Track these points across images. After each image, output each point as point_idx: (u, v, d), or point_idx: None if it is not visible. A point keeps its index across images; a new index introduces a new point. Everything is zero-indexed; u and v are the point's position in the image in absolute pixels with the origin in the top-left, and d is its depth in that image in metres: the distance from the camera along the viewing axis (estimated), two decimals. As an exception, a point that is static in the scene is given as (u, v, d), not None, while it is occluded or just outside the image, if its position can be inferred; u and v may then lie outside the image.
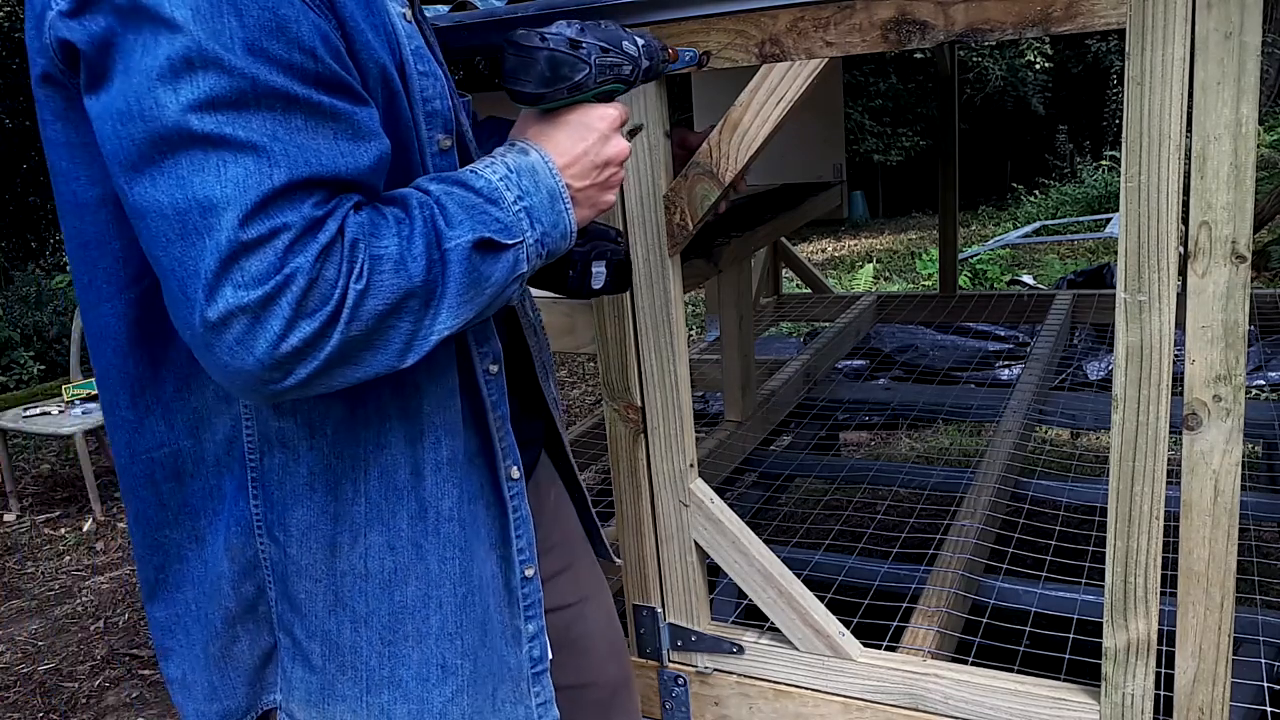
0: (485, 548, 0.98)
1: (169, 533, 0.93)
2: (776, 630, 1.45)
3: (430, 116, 0.87)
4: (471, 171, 0.83)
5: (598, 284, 1.01)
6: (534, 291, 1.13)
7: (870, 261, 8.98)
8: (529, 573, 1.02)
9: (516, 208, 0.82)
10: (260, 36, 0.68)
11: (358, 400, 0.88)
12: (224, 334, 0.69)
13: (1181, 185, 1.03)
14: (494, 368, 0.98)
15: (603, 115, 0.90)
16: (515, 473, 1.01)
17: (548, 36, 0.87)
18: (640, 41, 0.95)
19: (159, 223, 0.69)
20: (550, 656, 1.05)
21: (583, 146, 0.88)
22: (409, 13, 0.87)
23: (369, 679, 0.93)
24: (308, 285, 0.69)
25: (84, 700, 2.74)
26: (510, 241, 0.81)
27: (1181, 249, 1.06)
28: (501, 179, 0.82)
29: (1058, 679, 1.34)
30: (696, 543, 1.45)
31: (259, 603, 0.94)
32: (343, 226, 0.71)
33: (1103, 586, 1.19)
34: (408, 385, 0.90)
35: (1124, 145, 1.04)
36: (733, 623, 1.59)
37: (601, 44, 0.90)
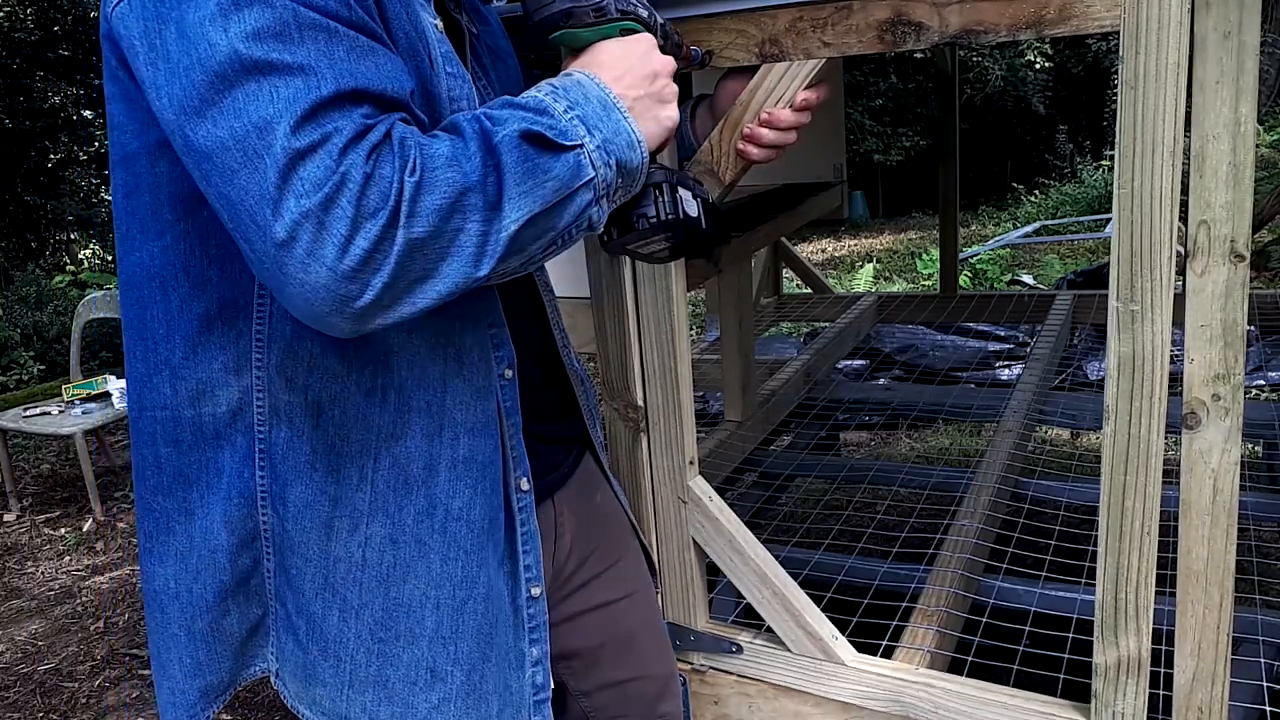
0: (495, 560, 0.97)
1: (161, 500, 0.94)
2: (773, 631, 1.45)
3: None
4: (518, 96, 0.84)
5: (692, 210, 0.95)
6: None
7: (870, 261, 8.98)
8: (535, 592, 1.02)
9: (568, 116, 0.82)
10: None
11: (374, 387, 0.88)
12: (294, 249, 0.70)
13: (1177, 192, 1.02)
14: (509, 373, 0.98)
15: (637, 37, 0.91)
16: (525, 485, 1.00)
17: None
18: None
19: (224, 157, 0.72)
20: (552, 685, 1.05)
21: (626, 62, 0.89)
22: (440, 24, 0.90)
23: (353, 673, 0.92)
24: (364, 181, 0.70)
25: (84, 700, 2.74)
26: (567, 144, 0.80)
27: (1180, 248, 1.06)
28: (547, 94, 0.83)
29: (1050, 690, 1.33)
30: (695, 541, 1.46)
31: (252, 575, 0.95)
32: (390, 130, 0.74)
33: (1102, 586, 1.19)
34: (434, 379, 0.90)
35: (1117, 151, 1.04)
36: (732, 622, 1.59)
37: None
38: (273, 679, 0.99)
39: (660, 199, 0.94)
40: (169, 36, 0.74)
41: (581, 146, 0.81)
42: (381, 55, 0.77)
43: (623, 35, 0.92)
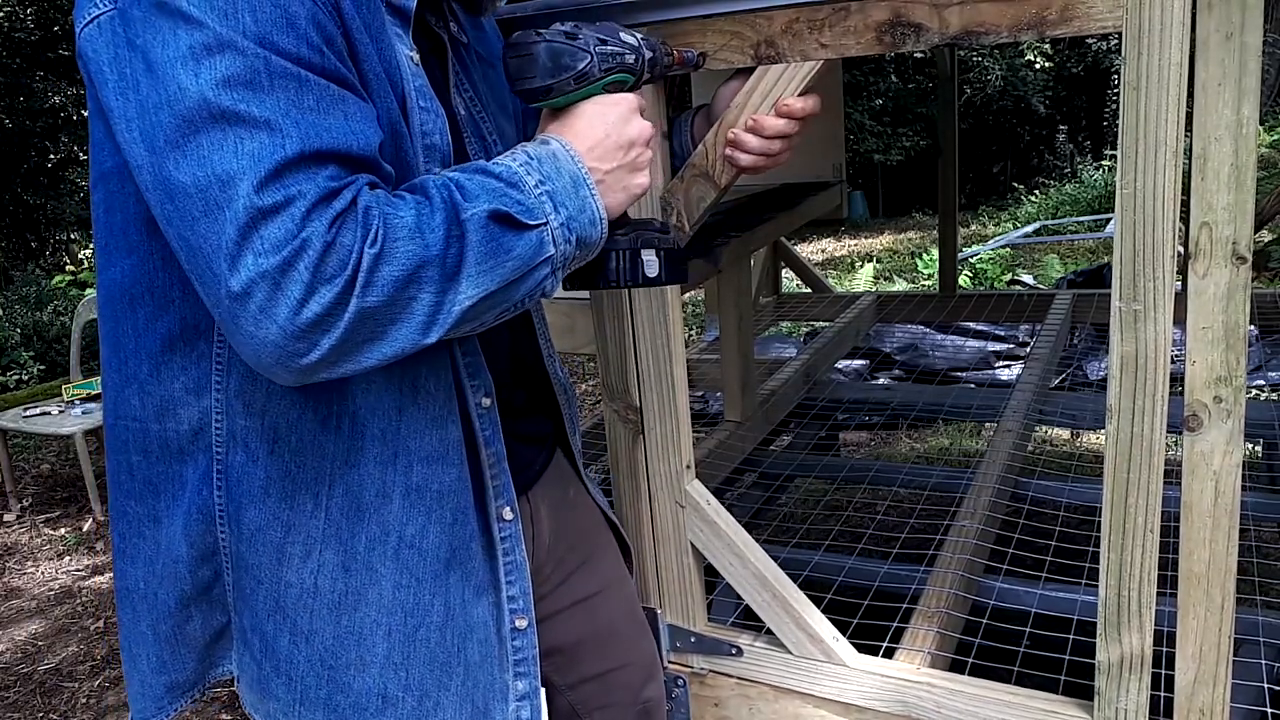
0: (470, 590, 0.97)
1: (133, 504, 0.96)
2: (773, 633, 1.45)
3: (429, 150, 0.90)
4: (492, 161, 0.85)
5: (651, 272, 0.97)
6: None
7: (870, 261, 8.98)
8: (520, 624, 1.02)
9: (538, 191, 0.83)
10: (271, 30, 0.73)
11: (330, 414, 0.89)
12: (247, 304, 0.71)
13: (1178, 192, 1.02)
14: (486, 401, 0.98)
15: (618, 100, 0.92)
16: (508, 513, 1.01)
17: (542, 32, 0.90)
18: (638, 34, 0.96)
19: (185, 202, 0.72)
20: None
21: (603, 130, 0.89)
22: (415, 56, 0.90)
23: (303, 693, 0.93)
24: (324, 249, 0.71)
25: (84, 700, 2.74)
26: (533, 222, 0.81)
27: (1182, 249, 1.05)
28: (521, 165, 0.84)
29: (1052, 690, 1.33)
30: (693, 544, 1.45)
31: (214, 586, 0.96)
32: (356, 197, 0.74)
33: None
34: (388, 407, 0.90)
35: (1119, 151, 1.03)
36: (732, 624, 1.58)
37: (599, 36, 0.92)
38: (236, 684, 1.00)
39: (621, 265, 0.96)
40: (139, 69, 0.74)
41: (546, 225, 0.82)
42: (351, 105, 0.77)
43: (607, 90, 0.92)
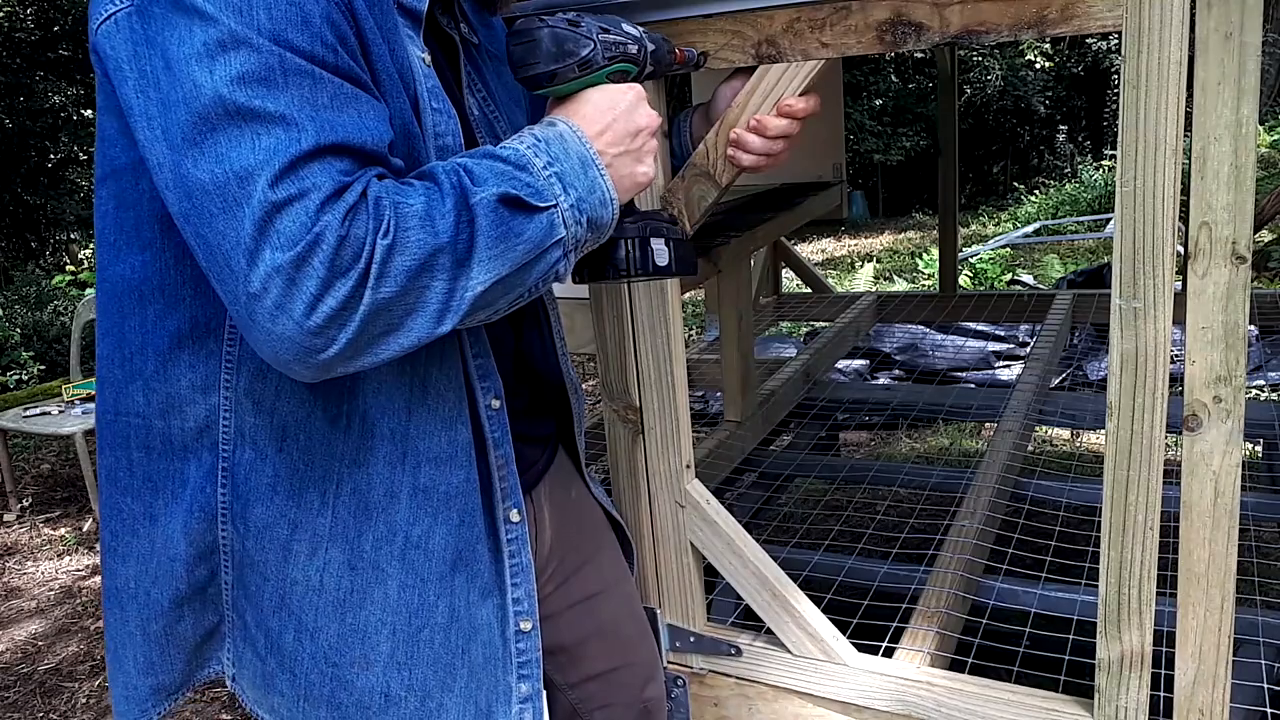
0: (476, 592, 0.97)
1: (130, 501, 0.95)
2: (773, 632, 1.45)
3: (441, 150, 0.89)
4: (499, 145, 0.84)
5: (662, 260, 0.96)
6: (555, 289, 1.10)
7: (870, 261, 8.98)
8: (525, 626, 1.02)
9: (547, 173, 0.82)
10: (286, 28, 0.73)
11: (340, 413, 0.89)
12: (264, 300, 0.71)
13: (1178, 191, 1.02)
14: (496, 403, 0.98)
15: (625, 88, 0.92)
16: (515, 516, 1.01)
17: (545, 18, 0.89)
18: (640, 27, 0.97)
19: (204, 200, 0.72)
20: None
21: (610, 115, 0.89)
22: (427, 57, 0.90)
23: (307, 689, 0.94)
24: (338, 243, 0.71)
25: (84, 700, 2.74)
26: (542, 205, 0.81)
27: (1181, 249, 1.05)
28: (529, 147, 0.83)
29: (1051, 690, 1.33)
30: (693, 544, 1.45)
31: (209, 585, 0.96)
32: (366, 188, 0.74)
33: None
34: (398, 407, 0.90)
35: (1119, 149, 1.03)
36: (732, 624, 1.58)
37: (601, 25, 0.92)
38: (228, 682, 1.00)
39: (631, 253, 0.95)
40: (158, 66, 0.74)
41: (556, 206, 0.82)
42: (364, 103, 0.77)
43: (610, 79, 0.92)
